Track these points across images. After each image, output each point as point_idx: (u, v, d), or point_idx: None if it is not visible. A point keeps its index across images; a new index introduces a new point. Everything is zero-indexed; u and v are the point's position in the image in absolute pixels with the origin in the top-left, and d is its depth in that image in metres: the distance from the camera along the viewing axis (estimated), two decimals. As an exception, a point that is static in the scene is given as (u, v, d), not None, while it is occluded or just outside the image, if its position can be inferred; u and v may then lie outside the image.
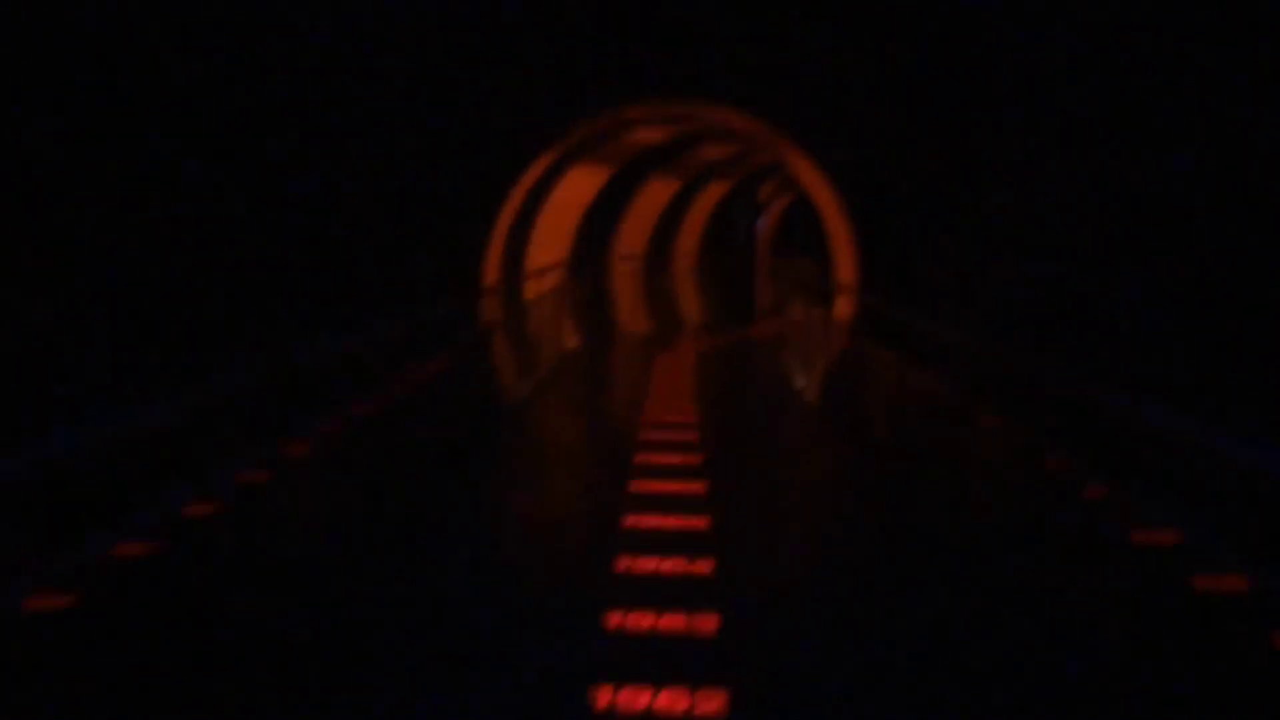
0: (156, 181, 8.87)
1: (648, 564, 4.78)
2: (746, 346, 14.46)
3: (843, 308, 9.74)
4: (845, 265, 10.16)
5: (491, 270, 10.24)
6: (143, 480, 3.68)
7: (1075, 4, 8.64)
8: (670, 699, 3.38)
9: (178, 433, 3.50)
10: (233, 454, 4.04)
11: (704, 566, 4.75)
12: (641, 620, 4.08)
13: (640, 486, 6.23)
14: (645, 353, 13.12)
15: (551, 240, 12.80)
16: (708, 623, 4.06)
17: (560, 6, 9.73)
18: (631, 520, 5.50)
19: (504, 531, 5.47)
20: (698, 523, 5.46)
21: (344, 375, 5.47)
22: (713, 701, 3.35)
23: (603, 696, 3.40)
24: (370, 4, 9.54)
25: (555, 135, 10.08)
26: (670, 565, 4.77)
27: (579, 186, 13.01)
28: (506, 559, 4.98)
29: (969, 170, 9.11)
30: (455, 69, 9.66)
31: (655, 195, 15.81)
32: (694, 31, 9.68)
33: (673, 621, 4.07)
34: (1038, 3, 8.77)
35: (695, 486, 6.23)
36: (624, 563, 4.80)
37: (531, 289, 11.43)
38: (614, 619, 4.09)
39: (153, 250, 8.80)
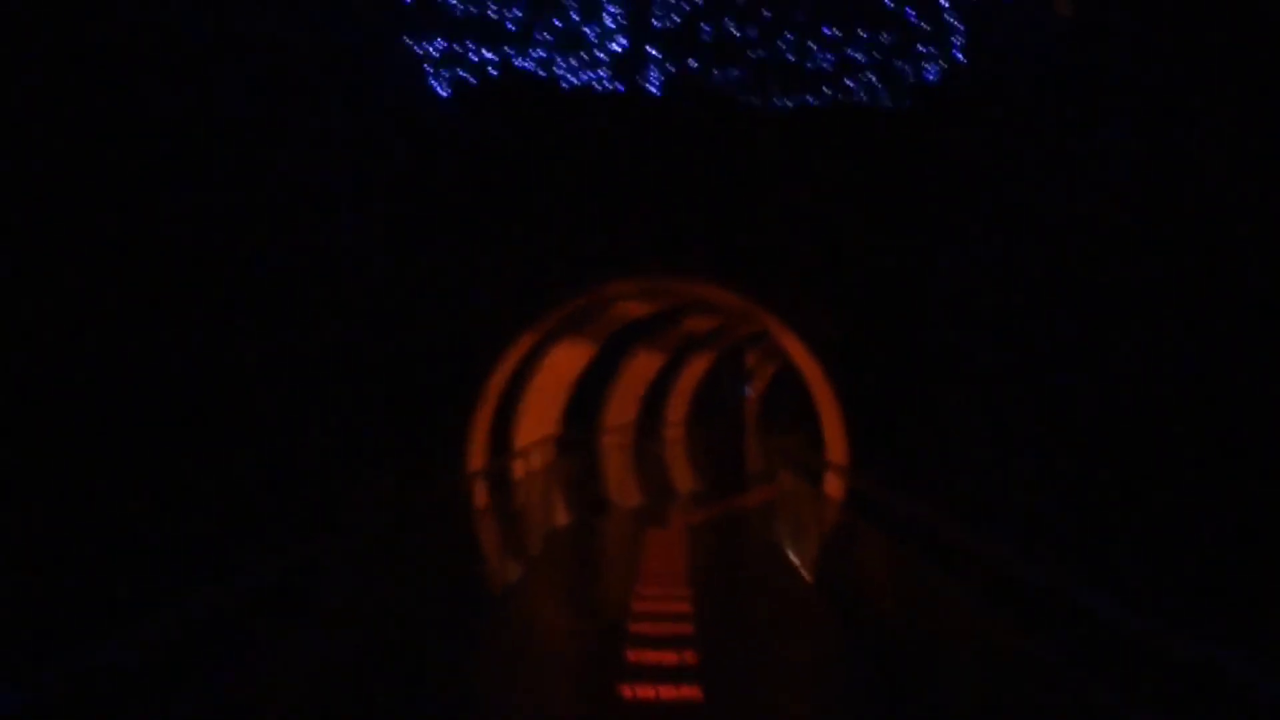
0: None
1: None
2: (738, 518, 14.18)
3: (833, 483, 9.56)
4: (834, 439, 10.05)
5: (477, 453, 10.08)
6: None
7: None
8: None
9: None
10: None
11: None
12: None
13: (632, 692, 5.88)
14: (636, 528, 12.81)
15: (539, 416, 12.70)
16: None
17: (541, 187, 9.96)
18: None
19: None
20: None
21: (316, 576, 5.22)
22: None
23: None
24: (348, 188, 9.75)
25: (537, 314, 10.13)
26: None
27: (565, 362, 13.02)
28: None
29: (923, 359, 9.23)
30: (435, 250, 9.78)
31: (642, 367, 15.86)
32: (674, 209, 9.90)
33: None
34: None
35: (692, 691, 5.89)
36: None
37: (520, 467, 11.23)
38: None
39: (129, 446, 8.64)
